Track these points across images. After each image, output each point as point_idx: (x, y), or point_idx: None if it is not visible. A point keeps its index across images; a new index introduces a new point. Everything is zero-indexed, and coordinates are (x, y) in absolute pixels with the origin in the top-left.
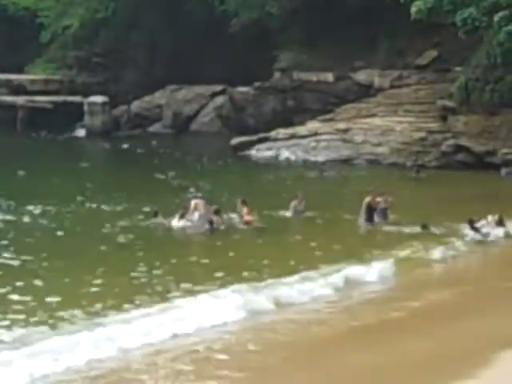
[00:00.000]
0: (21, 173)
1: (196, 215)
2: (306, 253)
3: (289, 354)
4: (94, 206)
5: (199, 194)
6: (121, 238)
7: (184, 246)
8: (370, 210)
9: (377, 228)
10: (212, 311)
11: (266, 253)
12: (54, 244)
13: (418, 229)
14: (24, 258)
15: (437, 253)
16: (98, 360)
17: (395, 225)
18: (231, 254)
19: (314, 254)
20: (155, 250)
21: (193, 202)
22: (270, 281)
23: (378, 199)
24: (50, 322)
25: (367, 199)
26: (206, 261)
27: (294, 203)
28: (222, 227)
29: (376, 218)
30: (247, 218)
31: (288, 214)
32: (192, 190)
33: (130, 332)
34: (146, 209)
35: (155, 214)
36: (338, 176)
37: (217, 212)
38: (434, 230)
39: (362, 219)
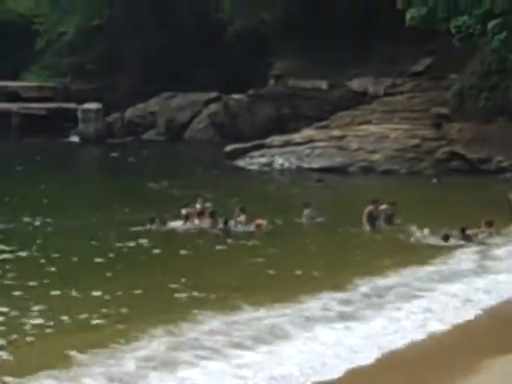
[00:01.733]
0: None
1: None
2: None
3: None
4: (95, 215)
5: (207, 205)
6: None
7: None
8: (372, 218)
9: (384, 234)
10: None
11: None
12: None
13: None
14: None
15: None
16: None
17: (402, 231)
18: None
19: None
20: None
21: (183, 211)
22: None
23: (383, 206)
24: None
25: (368, 208)
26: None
27: (306, 211)
28: (215, 231)
29: (382, 225)
30: (258, 221)
31: (302, 220)
32: (200, 200)
33: None
34: (142, 217)
35: (152, 221)
36: (347, 185)
37: (212, 215)
38: (455, 241)
39: (366, 227)
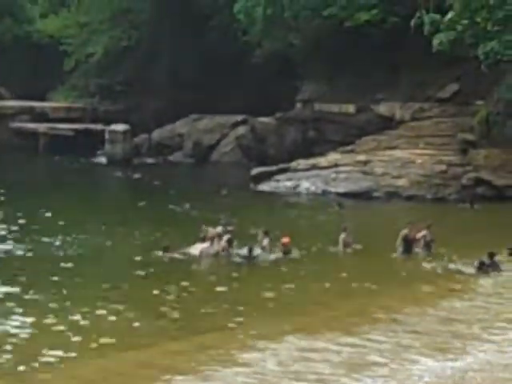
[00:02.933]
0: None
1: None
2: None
3: None
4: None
5: (229, 228)
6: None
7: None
8: (407, 242)
9: (419, 261)
10: None
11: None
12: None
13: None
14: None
15: None
16: None
17: (441, 259)
18: None
19: None
20: None
21: (210, 232)
22: None
23: (423, 232)
24: None
25: (404, 231)
26: None
27: (342, 236)
28: (239, 259)
29: (420, 252)
30: (284, 240)
31: (339, 247)
32: (222, 223)
33: None
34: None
35: (165, 249)
36: (373, 210)
37: (230, 242)
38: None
39: (398, 251)
